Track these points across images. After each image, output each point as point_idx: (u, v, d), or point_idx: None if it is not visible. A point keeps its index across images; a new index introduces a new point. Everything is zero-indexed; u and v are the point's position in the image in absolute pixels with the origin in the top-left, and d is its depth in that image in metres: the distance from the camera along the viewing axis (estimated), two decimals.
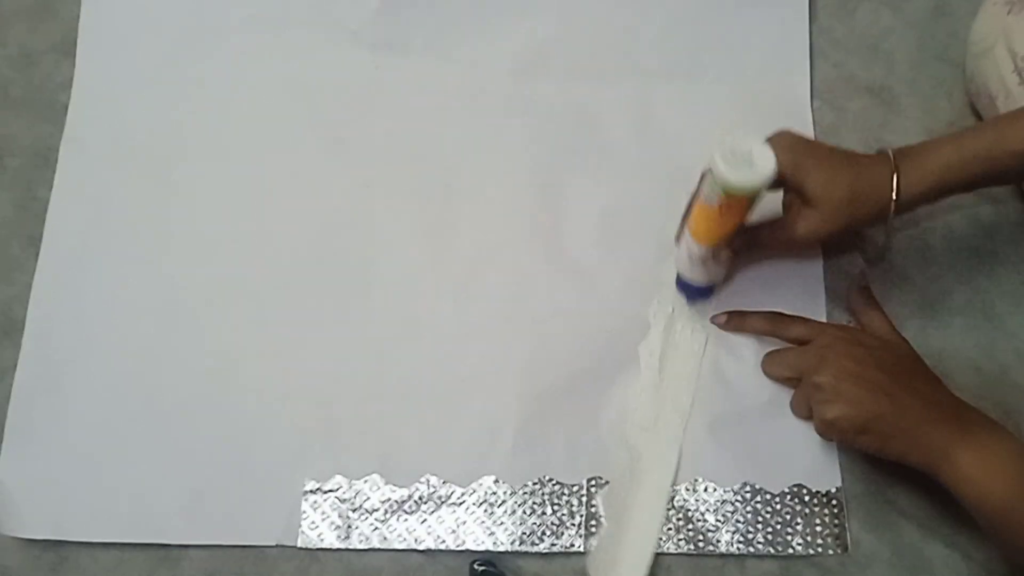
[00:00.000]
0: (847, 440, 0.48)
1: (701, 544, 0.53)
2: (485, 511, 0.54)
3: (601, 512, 0.54)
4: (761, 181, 0.47)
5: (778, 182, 0.49)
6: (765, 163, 0.47)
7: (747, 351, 0.56)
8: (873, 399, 0.46)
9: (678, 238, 0.54)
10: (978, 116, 0.61)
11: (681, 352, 0.56)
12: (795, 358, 0.53)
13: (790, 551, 0.52)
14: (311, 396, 0.57)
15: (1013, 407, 0.55)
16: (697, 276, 0.54)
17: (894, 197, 0.48)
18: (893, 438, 0.46)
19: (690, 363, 0.56)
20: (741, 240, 0.53)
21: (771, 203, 0.53)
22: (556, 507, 0.54)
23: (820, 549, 0.52)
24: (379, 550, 0.54)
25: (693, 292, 0.56)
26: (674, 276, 0.57)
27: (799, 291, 0.57)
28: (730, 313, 0.56)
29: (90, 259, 0.60)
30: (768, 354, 0.55)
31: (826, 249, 0.59)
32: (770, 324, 0.55)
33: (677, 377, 0.56)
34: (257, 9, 0.66)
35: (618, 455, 0.54)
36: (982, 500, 0.43)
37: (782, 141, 0.49)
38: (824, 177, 0.48)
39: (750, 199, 0.48)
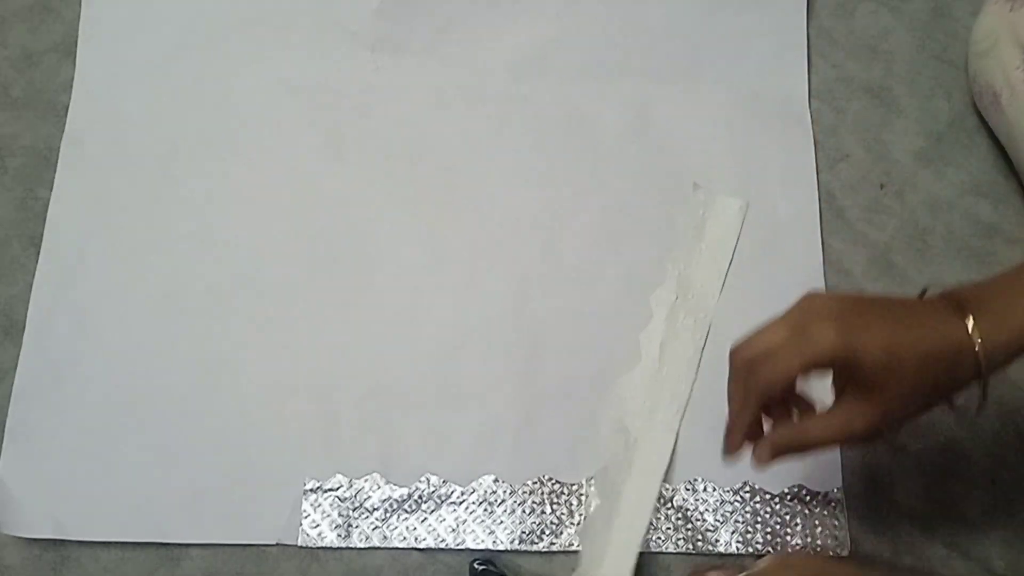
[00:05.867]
0: None
1: (700, 544, 0.53)
2: (485, 510, 0.54)
3: (594, 494, 0.54)
4: None
5: (824, 365, 0.38)
6: None
7: None
8: None
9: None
10: (979, 116, 0.61)
11: (682, 341, 0.56)
12: None
13: (789, 551, 0.52)
14: (311, 395, 0.57)
15: (1013, 407, 0.55)
16: None
17: (983, 362, 0.37)
18: None
19: (691, 353, 0.56)
20: (785, 444, 0.41)
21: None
22: (556, 506, 0.54)
23: (820, 549, 0.52)
24: (379, 549, 0.54)
25: None
26: (675, 273, 0.57)
27: (798, 293, 0.57)
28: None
29: (90, 259, 0.60)
30: None
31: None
32: None
33: (677, 366, 0.56)
34: (257, 9, 0.66)
35: (614, 439, 0.54)
36: None
37: (817, 310, 0.39)
38: (883, 346, 0.37)
39: None
